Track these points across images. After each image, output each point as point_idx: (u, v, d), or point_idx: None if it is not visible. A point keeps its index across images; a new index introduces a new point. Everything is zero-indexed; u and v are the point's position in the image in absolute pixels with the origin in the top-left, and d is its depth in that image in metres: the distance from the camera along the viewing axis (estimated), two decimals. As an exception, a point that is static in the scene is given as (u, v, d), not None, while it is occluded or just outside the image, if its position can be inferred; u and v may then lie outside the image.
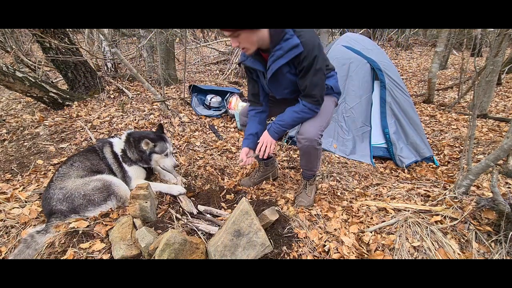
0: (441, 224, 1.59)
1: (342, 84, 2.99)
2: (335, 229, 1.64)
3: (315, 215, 1.78)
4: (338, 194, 2.07)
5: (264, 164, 2.21)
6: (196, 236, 1.51)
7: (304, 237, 1.56)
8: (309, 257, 1.44)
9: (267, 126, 1.69)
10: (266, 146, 1.65)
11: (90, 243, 1.51)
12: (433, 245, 1.48)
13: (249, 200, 1.92)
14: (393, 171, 2.74)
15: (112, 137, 2.12)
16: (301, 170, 1.98)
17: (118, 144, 2.02)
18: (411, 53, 10.04)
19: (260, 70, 1.66)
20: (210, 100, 3.77)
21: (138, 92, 4.21)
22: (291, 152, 2.85)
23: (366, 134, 2.95)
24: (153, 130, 2.32)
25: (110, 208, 1.79)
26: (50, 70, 4.69)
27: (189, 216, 1.73)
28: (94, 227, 1.61)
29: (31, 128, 3.07)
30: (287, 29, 1.45)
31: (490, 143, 3.02)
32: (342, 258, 1.44)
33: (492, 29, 4.30)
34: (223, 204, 1.90)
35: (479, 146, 2.99)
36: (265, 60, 1.60)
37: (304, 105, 1.60)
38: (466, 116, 4.13)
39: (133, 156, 2.01)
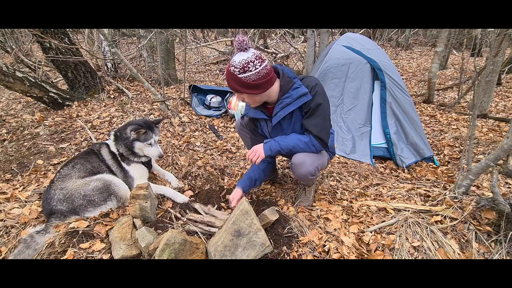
0: (441, 224, 1.59)
1: (342, 85, 2.99)
2: (335, 229, 1.64)
3: (315, 215, 1.78)
4: (338, 194, 2.07)
5: None
6: (196, 236, 1.51)
7: (306, 242, 1.56)
8: (309, 257, 1.44)
9: (266, 140, 1.65)
10: (255, 156, 1.61)
11: (90, 243, 1.50)
12: (433, 245, 1.48)
13: (249, 200, 1.92)
14: (393, 171, 2.74)
15: (107, 139, 2.12)
16: None
17: (112, 144, 2.02)
18: (411, 53, 10.05)
19: (263, 119, 1.71)
20: (210, 100, 3.77)
21: (138, 92, 4.21)
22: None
23: (366, 134, 2.95)
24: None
25: (110, 208, 1.79)
26: (50, 70, 4.69)
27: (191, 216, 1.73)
28: (94, 227, 1.61)
29: (31, 128, 3.07)
30: (295, 79, 1.54)
31: (490, 143, 3.02)
32: (342, 258, 1.44)
33: (492, 29, 4.30)
34: (223, 204, 1.90)
35: (479, 146, 2.99)
36: (268, 110, 1.68)
37: (311, 139, 1.57)
38: (466, 116, 4.13)
39: (123, 149, 1.99)
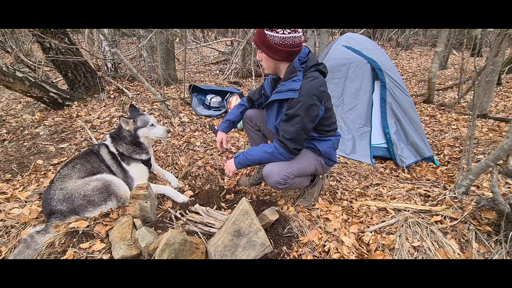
0: (441, 224, 1.59)
1: (342, 85, 2.99)
2: (335, 229, 1.64)
3: (315, 215, 1.78)
4: (338, 194, 2.07)
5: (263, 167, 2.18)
6: (196, 236, 1.51)
7: (306, 242, 1.56)
8: (309, 257, 1.44)
9: (236, 154, 1.71)
10: (228, 171, 1.74)
11: (90, 243, 1.50)
12: (433, 245, 1.48)
13: (249, 200, 1.92)
14: (393, 171, 2.74)
15: (105, 140, 2.12)
16: None
17: (111, 145, 2.02)
18: (411, 53, 10.04)
19: (267, 94, 1.83)
20: (210, 100, 3.77)
21: (138, 92, 4.21)
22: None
23: (366, 134, 2.95)
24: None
25: (110, 208, 1.79)
26: (50, 70, 4.69)
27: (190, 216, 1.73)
28: (94, 227, 1.61)
29: (31, 128, 3.07)
30: (299, 71, 1.51)
31: (490, 143, 3.02)
32: (342, 258, 1.44)
33: (492, 29, 4.30)
34: (223, 204, 1.90)
35: (479, 146, 2.99)
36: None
37: (275, 148, 1.58)
38: (466, 116, 4.13)
39: (124, 148, 1.99)
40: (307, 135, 1.56)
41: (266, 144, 1.71)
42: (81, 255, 1.43)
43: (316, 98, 1.47)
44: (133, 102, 3.75)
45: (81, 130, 3.02)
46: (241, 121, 2.08)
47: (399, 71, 4.10)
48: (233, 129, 1.98)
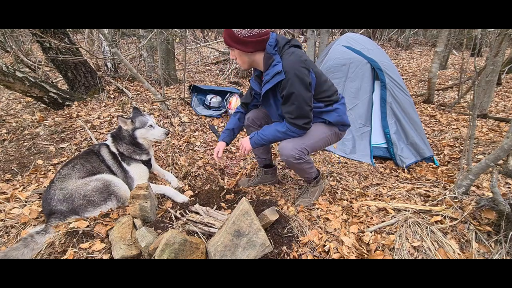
0: (441, 224, 1.59)
1: (342, 85, 2.99)
2: (335, 229, 1.64)
3: (315, 215, 1.78)
4: (338, 194, 2.07)
5: (263, 171, 2.18)
6: (196, 236, 1.51)
7: (306, 242, 1.56)
8: (309, 257, 1.44)
9: (252, 134, 1.75)
10: (243, 150, 1.78)
11: (90, 243, 1.50)
12: (433, 245, 1.48)
13: (249, 200, 1.92)
14: (393, 171, 2.74)
15: (105, 140, 2.12)
16: None
17: (112, 145, 2.02)
18: (411, 53, 10.04)
19: (257, 92, 1.79)
20: (210, 100, 3.77)
21: (138, 92, 4.21)
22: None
23: (366, 134, 2.95)
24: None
25: (110, 208, 1.79)
26: (50, 70, 4.69)
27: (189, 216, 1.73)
28: (94, 227, 1.61)
29: (31, 128, 3.07)
30: (275, 55, 1.53)
31: (490, 143, 3.02)
32: (342, 258, 1.44)
33: (492, 29, 4.30)
34: (223, 204, 1.90)
35: (479, 146, 2.99)
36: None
37: (288, 127, 1.62)
38: (466, 116, 4.13)
39: (124, 148, 1.99)
40: (310, 105, 1.57)
41: (278, 123, 1.70)
42: (81, 255, 1.43)
43: (302, 67, 1.49)
44: (133, 102, 3.76)
45: (81, 130, 3.02)
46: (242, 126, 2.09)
47: (399, 71, 4.10)
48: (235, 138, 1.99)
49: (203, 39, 8.94)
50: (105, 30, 3.60)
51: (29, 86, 3.17)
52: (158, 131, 2.04)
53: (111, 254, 1.43)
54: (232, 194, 2.07)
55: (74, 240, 1.51)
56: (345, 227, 1.67)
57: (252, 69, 1.77)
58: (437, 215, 1.65)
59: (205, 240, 1.48)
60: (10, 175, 2.32)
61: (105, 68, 4.60)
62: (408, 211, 1.72)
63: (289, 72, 1.48)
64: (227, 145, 1.97)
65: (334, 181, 2.28)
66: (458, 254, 1.44)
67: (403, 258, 1.43)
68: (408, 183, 2.27)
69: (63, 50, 3.43)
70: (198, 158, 2.63)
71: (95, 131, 3.02)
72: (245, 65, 1.64)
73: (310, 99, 1.56)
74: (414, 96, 5.27)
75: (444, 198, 1.78)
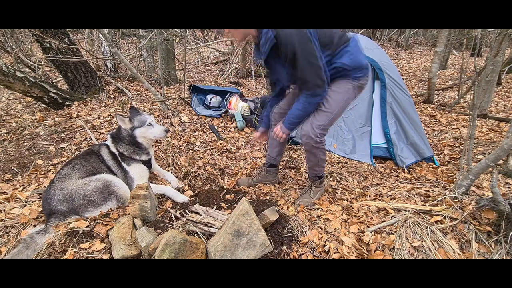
0: (441, 224, 1.59)
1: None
2: (335, 229, 1.64)
3: (315, 215, 1.78)
4: (338, 194, 2.07)
5: (266, 170, 2.19)
6: (196, 236, 1.51)
7: (306, 242, 1.56)
8: (309, 257, 1.44)
9: (282, 121, 1.78)
10: (279, 137, 1.79)
11: (90, 243, 1.50)
12: (433, 245, 1.48)
13: (249, 200, 1.92)
14: (393, 171, 2.74)
15: (105, 140, 2.12)
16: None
17: (112, 145, 2.02)
18: (411, 53, 10.04)
19: (260, 60, 1.77)
20: (210, 100, 3.77)
21: (138, 92, 4.21)
22: (291, 152, 2.85)
23: (366, 134, 2.95)
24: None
25: (110, 208, 1.79)
26: (50, 70, 4.69)
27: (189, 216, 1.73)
28: (94, 227, 1.61)
29: (31, 128, 3.06)
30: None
31: (490, 143, 3.02)
32: (342, 258, 1.44)
33: (492, 29, 4.30)
34: (223, 204, 1.90)
35: (479, 146, 2.99)
36: None
37: (303, 100, 1.62)
38: (466, 116, 4.13)
39: (124, 148, 1.99)
40: (319, 59, 1.49)
41: (296, 102, 1.69)
42: (81, 255, 1.43)
43: (299, 31, 1.45)
44: (133, 102, 3.76)
45: (81, 130, 3.02)
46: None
47: (399, 71, 4.10)
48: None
49: (203, 39, 8.94)
50: (105, 30, 3.60)
51: (29, 86, 3.17)
52: (158, 129, 2.04)
53: (111, 254, 1.43)
54: (232, 194, 2.07)
55: (74, 240, 1.51)
56: (345, 227, 1.67)
57: (253, 45, 1.77)
58: (437, 215, 1.65)
59: (205, 240, 1.48)
60: (10, 175, 2.32)
61: (105, 68, 4.60)
62: (408, 211, 1.72)
63: (281, 36, 1.45)
64: (268, 130, 2.05)
65: (334, 181, 2.28)
66: (458, 254, 1.44)
67: (403, 258, 1.43)
68: (408, 183, 2.27)
69: (63, 50, 3.43)
70: (198, 158, 2.63)
71: (95, 131, 3.02)
72: (240, 35, 1.64)
73: (317, 52, 1.47)
74: (414, 96, 5.27)
75: (444, 198, 1.78)
